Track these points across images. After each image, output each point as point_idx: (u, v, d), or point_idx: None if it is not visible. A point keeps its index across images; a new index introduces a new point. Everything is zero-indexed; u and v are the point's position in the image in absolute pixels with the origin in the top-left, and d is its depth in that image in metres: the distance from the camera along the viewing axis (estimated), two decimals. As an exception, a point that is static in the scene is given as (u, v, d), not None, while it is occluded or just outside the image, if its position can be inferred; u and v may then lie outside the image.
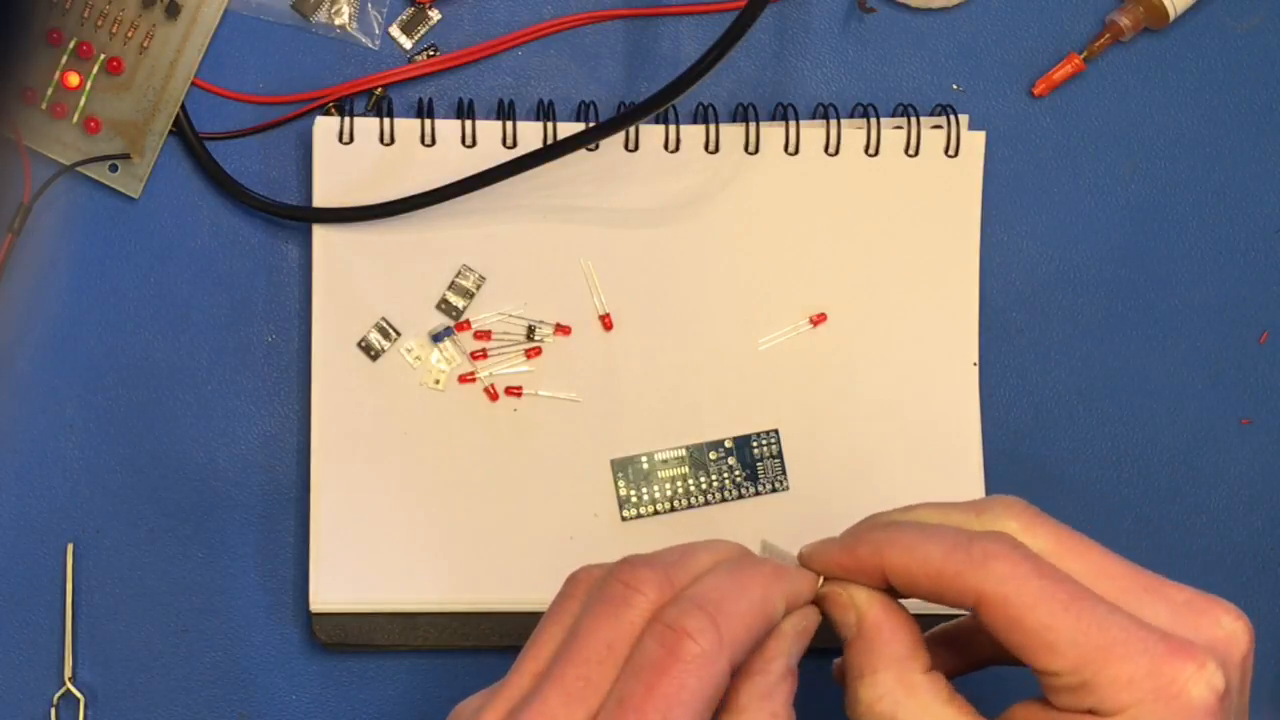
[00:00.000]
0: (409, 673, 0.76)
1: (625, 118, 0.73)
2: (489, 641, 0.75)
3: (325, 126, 0.75)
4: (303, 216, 0.75)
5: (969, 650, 0.61)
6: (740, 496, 0.76)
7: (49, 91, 0.74)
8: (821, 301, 0.77)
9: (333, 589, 0.74)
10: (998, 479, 0.77)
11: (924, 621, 0.60)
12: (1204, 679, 0.54)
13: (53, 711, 0.74)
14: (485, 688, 0.57)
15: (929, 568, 0.56)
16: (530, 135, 0.75)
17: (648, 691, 0.53)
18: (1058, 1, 0.79)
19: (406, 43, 0.77)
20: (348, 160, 0.75)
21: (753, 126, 0.76)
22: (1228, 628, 0.56)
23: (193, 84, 0.75)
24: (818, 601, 0.59)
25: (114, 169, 0.75)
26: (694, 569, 0.56)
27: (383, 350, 0.75)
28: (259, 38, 0.76)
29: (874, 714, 0.57)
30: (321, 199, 0.75)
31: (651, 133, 0.76)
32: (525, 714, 0.54)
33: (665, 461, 0.76)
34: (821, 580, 0.59)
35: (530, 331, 0.76)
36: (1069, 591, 0.55)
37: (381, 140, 0.75)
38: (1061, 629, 0.54)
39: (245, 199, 0.75)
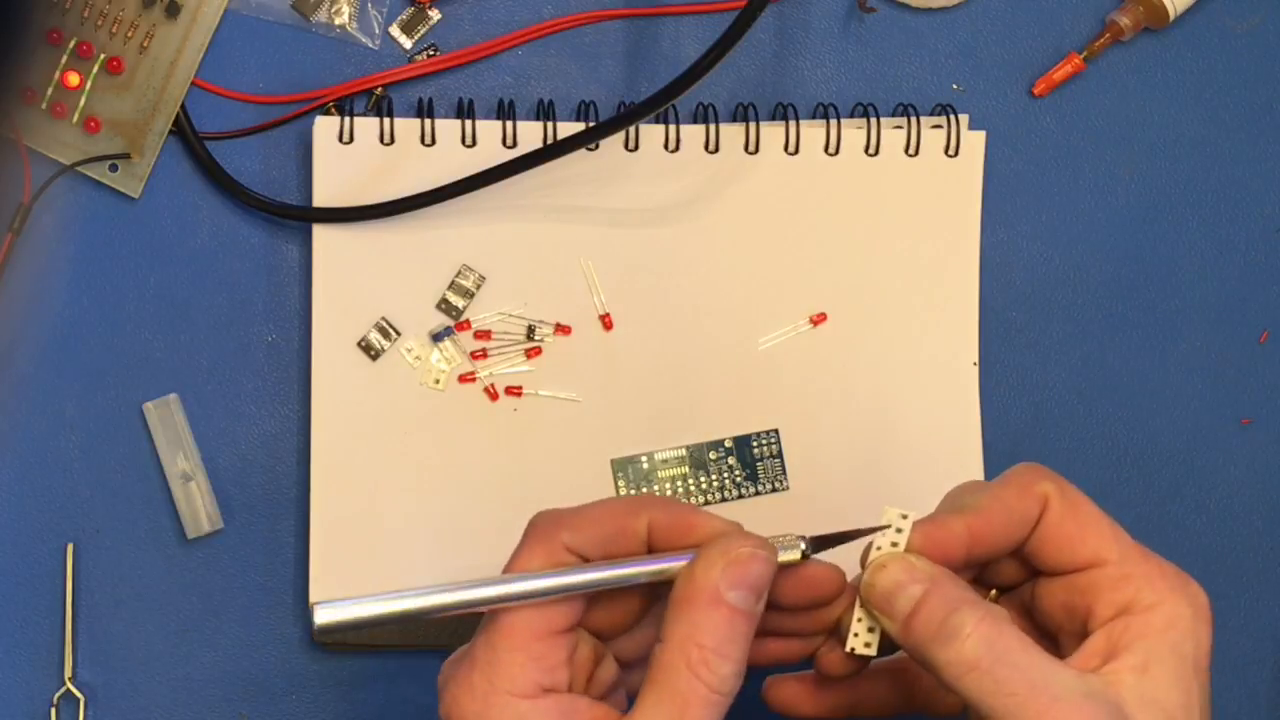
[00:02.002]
0: (409, 673, 0.76)
1: (625, 118, 0.73)
2: (489, 641, 0.75)
3: (325, 126, 0.75)
4: (303, 216, 0.75)
5: (897, 689, 0.66)
6: (740, 496, 0.76)
7: (49, 91, 0.74)
8: (821, 301, 0.77)
9: (333, 589, 0.74)
10: (998, 479, 0.77)
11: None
12: (1206, 595, 0.62)
13: (53, 711, 0.74)
14: None
15: (1004, 511, 0.62)
16: (530, 135, 0.75)
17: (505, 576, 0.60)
18: (1058, 1, 0.79)
19: (406, 42, 0.77)
20: (348, 160, 0.75)
21: (753, 126, 0.76)
22: (1200, 592, 0.62)
23: (193, 84, 0.75)
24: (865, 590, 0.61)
25: (114, 169, 0.75)
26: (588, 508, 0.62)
27: (383, 350, 0.75)
28: (259, 38, 0.76)
29: (998, 631, 0.59)
30: (321, 199, 0.75)
31: (651, 133, 0.76)
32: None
33: (665, 461, 0.76)
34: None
35: (530, 331, 0.76)
36: (1098, 506, 0.62)
37: (381, 140, 0.75)
38: (1106, 526, 0.62)
39: (245, 199, 0.75)
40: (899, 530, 0.61)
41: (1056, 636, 0.62)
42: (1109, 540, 0.61)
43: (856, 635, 0.62)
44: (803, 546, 0.60)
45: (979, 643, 0.58)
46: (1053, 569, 0.62)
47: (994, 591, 0.64)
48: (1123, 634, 0.60)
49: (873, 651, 0.62)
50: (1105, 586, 0.61)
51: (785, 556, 0.60)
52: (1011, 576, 0.64)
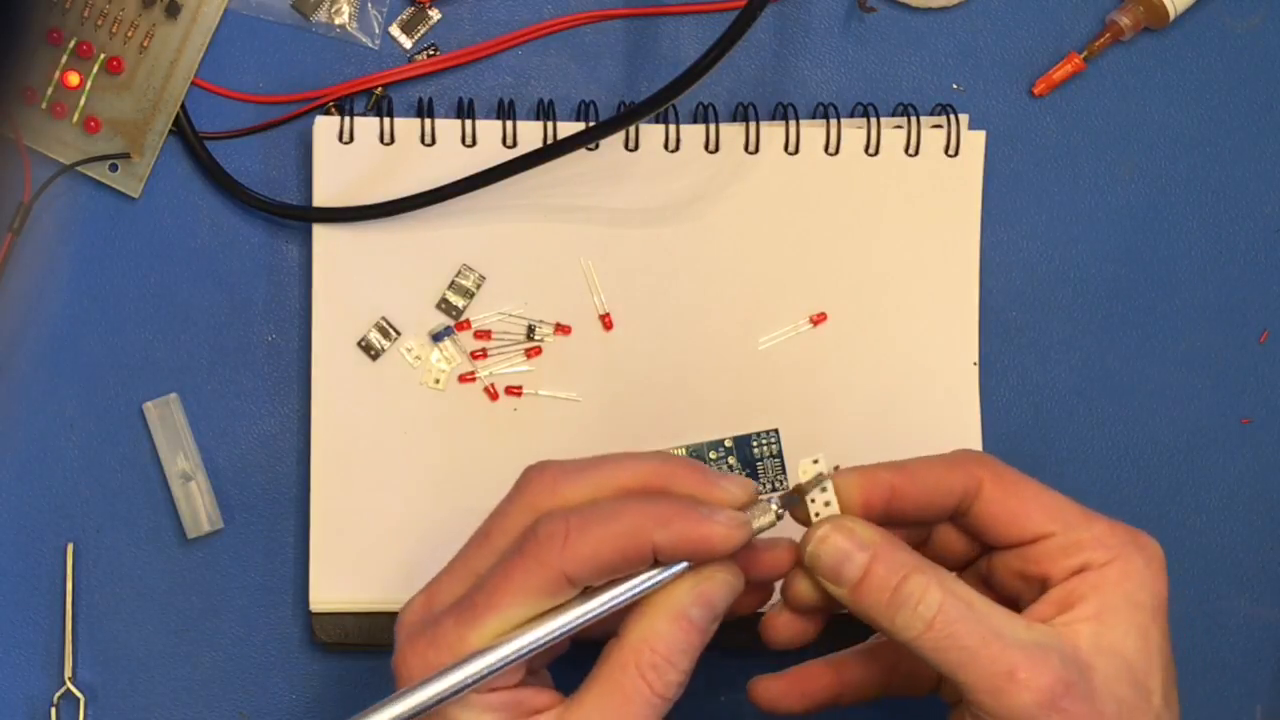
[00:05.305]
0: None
1: (625, 117, 0.73)
2: (489, 641, 0.75)
3: (325, 126, 0.75)
4: (303, 216, 0.75)
5: (876, 671, 0.68)
6: (740, 496, 0.76)
7: (49, 91, 0.74)
8: (821, 301, 0.77)
9: (333, 589, 0.74)
10: (998, 479, 0.77)
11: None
12: (1158, 545, 0.64)
13: (53, 711, 0.74)
14: None
15: (931, 475, 0.64)
16: (530, 135, 0.75)
17: (493, 577, 0.61)
18: (1058, 1, 0.79)
19: (406, 42, 0.77)
20: (348, 160, 0.75)
21: (753, 126, 0.76)
22: (1150, 543, 0.64)
23: (193, 84, 0.75)
24: (809, 558, 0.63)
25: (114, 169, 0.75)
26: (588, 480, 0.62)
27: (383, 350, 0.75)
28: (259, 37, 0.76)
29: (945, 590, 0.61)
30: (321, 199, 0.75)
31: (651, 132, 0.76)
32: (421, 592, 0.64)
33: (665, 461, 0.76)
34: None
35: (530, 331, 0.76)
36: (1039, 482, 0.65)
37: (381, 140, 0.75)
38: (1049, 499, 0.64)
39: (245, 199, 0.75)
40: (820, 476, 0.64)
41: (1016, 603, 0.64)
42: (1053, 513, 0.63)
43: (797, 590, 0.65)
44: (775, 508, 0.63)
45: (930, 604, 0.61)
46: (1002, 544, 0.64)
47: (954, 575, 0.65)
48: (1077, 586, 0.62)
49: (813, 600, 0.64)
50: (1057, 555, 0.63)
51: (761, 521, 0.63)
52: (965, 552, 0.66)
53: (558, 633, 0.61)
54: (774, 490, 0.76)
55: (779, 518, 0.63)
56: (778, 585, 0.66)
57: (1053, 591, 0.63)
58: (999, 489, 0.64)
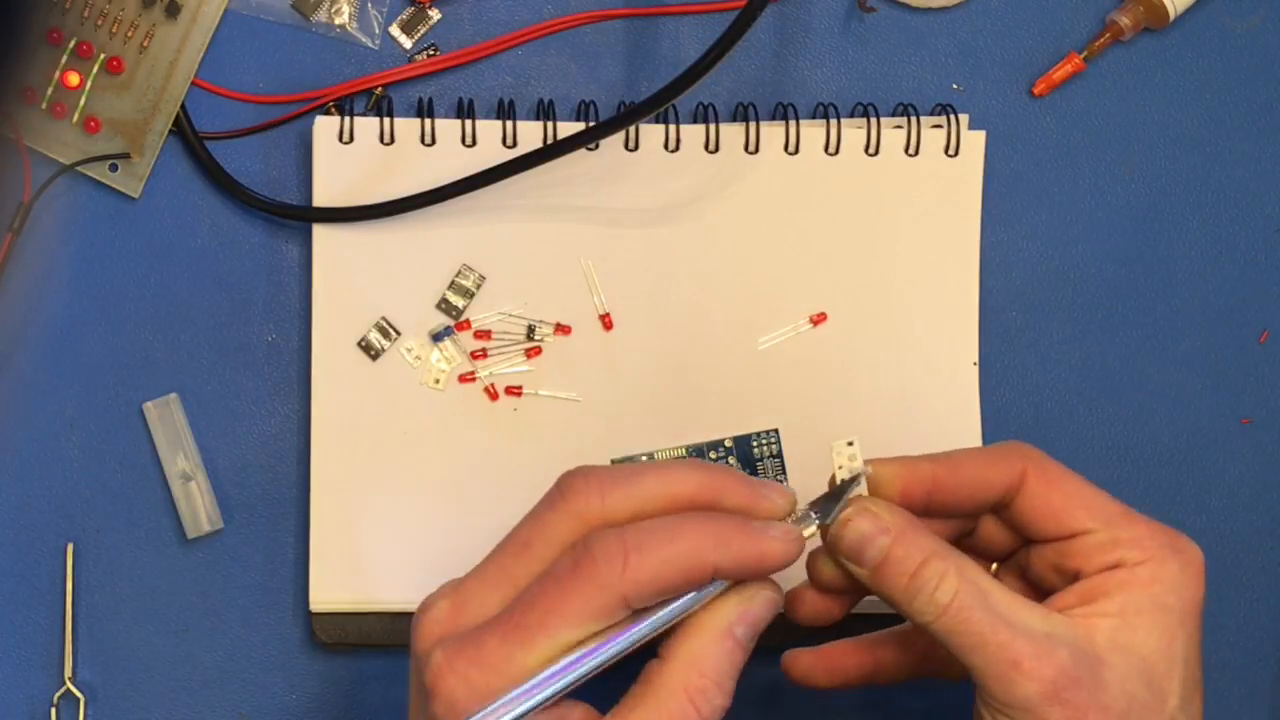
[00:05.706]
0: (409, 673, 0.75)
1: (625, 117, 0.73)
2: (489, 641, 0.75)
3: (325, 126, 0.75)
4: (303, 216, 0.75)
5: (911, 655, 0.68)
6: (740, 496, 0.76)
7: (49, 91, 0.74)
8: (821, 301, 0.77)
9: (333, 589, 0.74)
10: (998, 479, 0.77)
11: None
12: (1198, 550, 0.64)
13: (53, 711, 0.74)
14: None
15: (974, 468, 0.64)
16: (530, 135, 0.75)
17: (545, 595, 0.59)
18: (1058, 1, 0.79)
19: (406, 42, 0.77)
20: (348, 160, 0.75)
21: (753, 126, 0.76)
22: (1190, 546, 0.64)
23: (193, 84, 0.75)
24: (834, 540, 0.63)
25: (114, 169, 0.75)
26: (635, 491, 0.60)
27: (383, 350, 0.75)
28: (259, 37, 0.76)
29: (962, 577, 0.62)
30: (321, 199, 0.75)
31: (651, 132, 0.76)
32: (445, 596, 0.61)
33: (665, 461, 0.76)
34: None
35: (530, 331, 0.76)
36: (1082, 478, 0.65)
37: (381, 140, 0.75)
38: (1091, 496, 0.64)
39: (245, 199, 0.75)
40: (852, 459, 0.64)
41: (1048, 595, 0.64)
42: (1094, 510, 0.64)
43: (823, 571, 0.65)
44: (814, 516, 0.63)
45: (946, 590, 0.61)
46: (1042, 538, 0.65)
47: (995, 565, 0.67)
48: (1104, 582, 0.63)
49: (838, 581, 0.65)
50: (1093, 551, 0.63)
51: (807, 533, 0.62)
52: (1007, 543, 0.67)
53: (613, 656, 0.59)
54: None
55: (819, 527, 0.63)
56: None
57: (1080, 583, 0.63)
58: (1041, 483, 0.64)
